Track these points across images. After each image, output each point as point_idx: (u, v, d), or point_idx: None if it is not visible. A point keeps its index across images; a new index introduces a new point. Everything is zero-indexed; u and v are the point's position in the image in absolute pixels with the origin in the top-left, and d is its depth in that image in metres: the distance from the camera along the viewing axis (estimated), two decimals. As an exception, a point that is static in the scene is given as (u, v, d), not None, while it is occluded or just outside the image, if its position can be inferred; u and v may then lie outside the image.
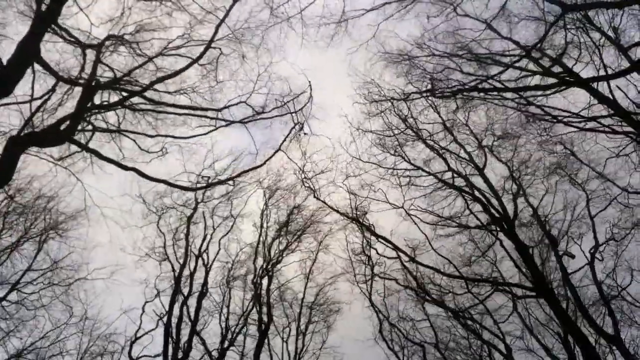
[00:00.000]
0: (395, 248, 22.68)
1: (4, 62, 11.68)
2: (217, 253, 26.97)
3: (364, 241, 24.01)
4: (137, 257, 25.60)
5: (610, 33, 16.65)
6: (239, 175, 13.11)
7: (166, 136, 13.79)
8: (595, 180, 21.92)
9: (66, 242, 23.92)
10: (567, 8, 11.28)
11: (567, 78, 16.44)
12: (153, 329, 25.11)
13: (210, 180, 14.22)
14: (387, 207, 23.03)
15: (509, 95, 18.07)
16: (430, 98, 20.64)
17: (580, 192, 22.76)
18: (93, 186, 14.05)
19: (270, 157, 14.27)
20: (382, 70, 19.60)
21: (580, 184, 22.32)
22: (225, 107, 13.59)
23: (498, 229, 20.82)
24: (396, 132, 22.30)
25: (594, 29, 16.69)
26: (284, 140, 14.97)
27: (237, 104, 13.88)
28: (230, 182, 14.60)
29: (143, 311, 25.26)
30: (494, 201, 20.94)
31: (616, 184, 20.74)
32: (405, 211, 22.88)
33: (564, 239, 22.67)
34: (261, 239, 27.26)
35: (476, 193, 21.49)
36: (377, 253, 24.30)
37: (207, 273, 25.94)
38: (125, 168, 12.42)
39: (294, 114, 14.32)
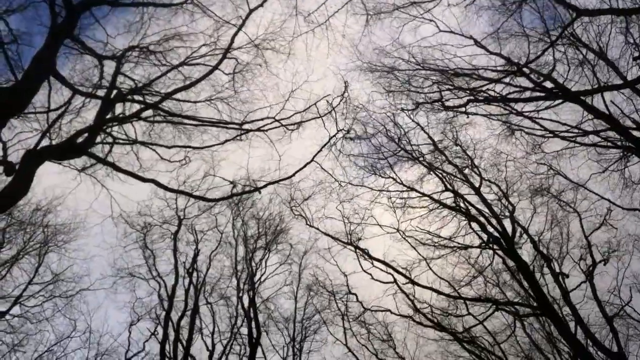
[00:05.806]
0: (393, 270, 22.46)
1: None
2: (208, 269, 26.30)
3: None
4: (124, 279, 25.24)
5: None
6: (265, 185, 12.72)
7: (183, 147, 13.43)
8: (585, 202, 22.28)
9: (66, 255, 23.64)
10: (580, 12, 11.58)
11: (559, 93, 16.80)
12: (140, 351, 24.67)
13: (233, 190, 13.75)
14: (381, 232, 22.85)
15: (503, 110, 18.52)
16: (416, 118, 20.90)
17: (571, 211, 22.92)
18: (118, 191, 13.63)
19: (302, 168, 13.56)
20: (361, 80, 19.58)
21: (569, 204, 22.54)
22: (245, 122, 13.30)
23: (497, 248, 20.88)
24: (387, 154, 22.28)
25: (582, 46, 17.10)
26: (320, 149, 14.32)
27: (262, 119, 13.54)
28: (258, 193, 14.00)
29: (129, 332, 24.83)
30: (493, 220, 21.05)
31: (609, 199, 21.01)
32: (401, 234, 22.80)
33: (560, 258, 22.73)
34: (238, 252, 26.79)
35: (474, 212, 21.58)
36: (372, 278, 23.80)
37: (197, 289, 25.20)
38: (144, 180, 12.00)
39: (324, 117, 13.82)
